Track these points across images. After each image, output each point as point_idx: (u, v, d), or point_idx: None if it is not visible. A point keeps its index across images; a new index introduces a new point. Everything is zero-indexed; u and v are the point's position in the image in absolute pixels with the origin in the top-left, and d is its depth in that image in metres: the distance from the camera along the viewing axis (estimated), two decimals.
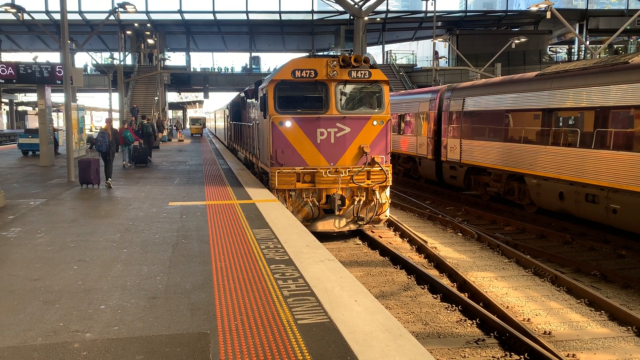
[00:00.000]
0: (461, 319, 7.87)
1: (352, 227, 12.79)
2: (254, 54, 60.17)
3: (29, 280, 5.99)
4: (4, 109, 64.20)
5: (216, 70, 59.72)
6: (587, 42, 46.92)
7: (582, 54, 48.46)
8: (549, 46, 55.05)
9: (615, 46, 51.46)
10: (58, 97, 44.07)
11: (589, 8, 53.79)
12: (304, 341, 4.32)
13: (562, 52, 56.08)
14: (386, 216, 13.07)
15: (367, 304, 5.13)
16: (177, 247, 7.46)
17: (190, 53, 59.95)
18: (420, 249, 11.89)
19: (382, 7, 50.35)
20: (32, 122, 54.63)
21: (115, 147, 16.06)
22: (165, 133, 37.12)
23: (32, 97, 63.30)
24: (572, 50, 53.54)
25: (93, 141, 30.39)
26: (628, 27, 28.17)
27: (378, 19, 53.69)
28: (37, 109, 22.10)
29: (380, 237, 12.87)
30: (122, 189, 13.53)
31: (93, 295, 5.48)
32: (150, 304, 5.22)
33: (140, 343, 4.34)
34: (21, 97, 70.66)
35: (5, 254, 7.18)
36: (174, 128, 46.98)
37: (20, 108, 72.38)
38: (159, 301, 5.29)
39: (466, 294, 8.95)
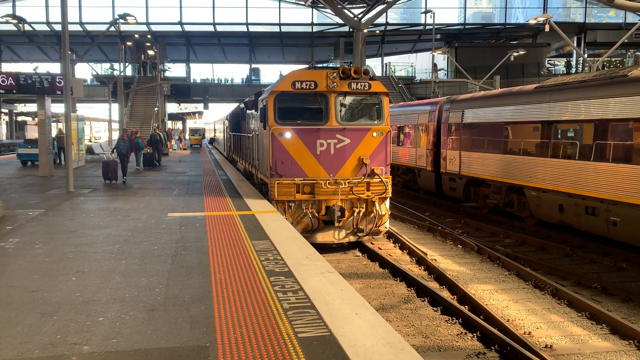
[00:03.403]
0: (462, 332, 7.82)
1: (352, 238, 12.74)
2: (253, 66, 60.45)
3: (26, 291, 5.94)
4: (4, 119, 64.19)
5: (216, 81, 59.91)
6: (585, 55, 47.21)
7: (580, 67, 48.73)
8: (548, 59, 55.36)
9: (612, 59, 51.76)
10: (58, 108, 44.18)
11: (586, 21, 54.20)
12: (305, 355, 4.28)
13: (560, 64, 56.36)
14: (386, 228, 13.04)
15: (368, 317, 5.09)
16: (176, 258, 7.42)
17: (190, 64, 60.21)
18: (420, 261, 11.84)
19: (381, 20, 50.71)
20: (32, 133, 54.62)
21: (130, 151, 20.27)
22: (173, 142, 42.68)
23: (32, 107, 63.31)
24: (571, 63, 53.84)
25: (91, 151, 31.01)
26: (626, 41, 28.33)
27: (377, 32, 54.07)
28: (36, 119, 22.12)
29: (380, 249, 12.83)
30: (121, 200, 13.50)
31: (91, 307, 5.44)
32: (149, 316, 5.18)
33: (138, 356, 4.29)
34: (21, 107, 70.70)
35: (3, 265, 7.13)
36: (177, 139, 48.05)
37: (19, 118, 72.38)
38: (157, 313, 5.25)
39: (466, 306, 8.90)
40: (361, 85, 12.42)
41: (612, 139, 11.79)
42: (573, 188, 12.71)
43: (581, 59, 45.83)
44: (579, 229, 12.91)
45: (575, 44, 49.48)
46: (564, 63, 54.24)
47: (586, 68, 41.48)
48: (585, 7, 54.17)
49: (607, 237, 12.09)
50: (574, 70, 49.25)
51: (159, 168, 24.08)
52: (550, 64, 55.19)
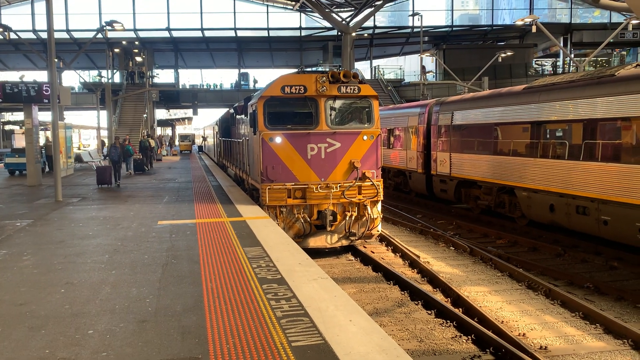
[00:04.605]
0: (456, 335, 7.79)
1: (344, 242, 12.70)
2: (242, 70, 60.32)
3: (14, 305, 5.83)
4: None
5: (205, 86, 59.71)
6: (572, 55, 47.63)
7: (568, 67, 49.13)
8: (535, 59, 55.75)
9: (598, 59, 52.28)
10: (46, 116, 43.82)
11: (572, 22, 54.67)
12: None
13: (547, 65, 56.78)
14: (378, 231, 13.00)
15: (363, 324, 5.04)
16: (167, 267, 7.33)
17: (179, 70, 59.97)
18: (413, 264, 11.81)
19: (369, 23, 50.86)
20: (19, 142, 54.03)
21: (123, 157, 21.52)
22: (163, 149, 43.53)
23: (19, 115, 62.73)
24: (557, 63, 54.29)
25: (79, 159, 30.96)
26: (611, 40, 28.60)
27: (365, 35, 54.17)
28: (24, 127, 21.91)
29: (373, 253, 12.78)
30: (110, 208, 13.35)
31: (80, 319, 5.34)
32: (140, 327, 5.09)
33: None
34: (8, 116, 70.03)
35: None
36: (167, 145, 48.25)
37: (7, 127, 71.64)
38: (148, 325, 5.16)
39: (460, 309, 8.87)
40: (351, 89, 12.40)
41: (600, 138, 11.85)
42: (563, 188, 12.76)
43: (568, 59, 46.22)
44: (570, 228, 12.95)
45: (561, 44, 49.87)
46: (550, 63, 54.68)
47: (573, 68, 41.82)
48: (571, 8, 54.68)
49: (598, 236, 12.14)
50: (560, 70, 49.65)
51: (149, 173, 25.01)
52: (538, 64, 55.61)
